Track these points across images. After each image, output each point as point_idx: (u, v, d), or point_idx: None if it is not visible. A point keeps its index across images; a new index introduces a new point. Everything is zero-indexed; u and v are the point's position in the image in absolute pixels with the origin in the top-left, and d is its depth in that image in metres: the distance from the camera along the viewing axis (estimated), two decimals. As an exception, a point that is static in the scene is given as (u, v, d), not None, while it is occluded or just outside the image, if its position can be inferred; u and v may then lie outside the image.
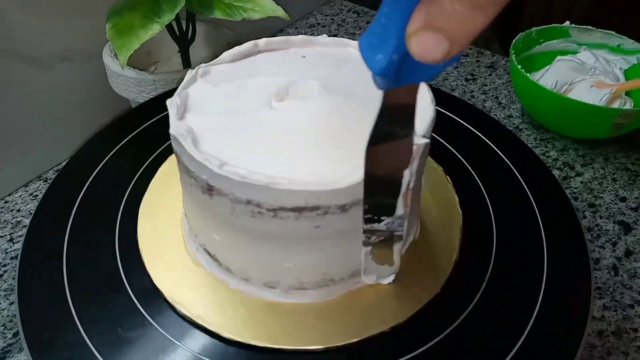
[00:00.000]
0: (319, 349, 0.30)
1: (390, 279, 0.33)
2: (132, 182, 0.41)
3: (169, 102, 0.32)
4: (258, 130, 0.31)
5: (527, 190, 0.42)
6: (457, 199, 0.39)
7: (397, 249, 0.31)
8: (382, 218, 0.29)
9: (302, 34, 0.78)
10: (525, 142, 0.46)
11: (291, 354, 0.31)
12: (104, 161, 0.43)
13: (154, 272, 0.34)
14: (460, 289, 0.34)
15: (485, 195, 0.41)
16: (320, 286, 0.32)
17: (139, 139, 0.45)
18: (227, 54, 0.37)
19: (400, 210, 0.29)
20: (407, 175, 0.28)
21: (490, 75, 0.70)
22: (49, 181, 0.55)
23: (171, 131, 0.30)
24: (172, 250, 0.36)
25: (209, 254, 0.34)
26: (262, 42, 0.37)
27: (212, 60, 0.36)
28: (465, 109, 0.50)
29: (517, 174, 0.43)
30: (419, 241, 0.36)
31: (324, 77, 0.34)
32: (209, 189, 0.29)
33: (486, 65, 0.72)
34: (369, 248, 0.30)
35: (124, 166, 0.43)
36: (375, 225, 0.29)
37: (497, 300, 0.34)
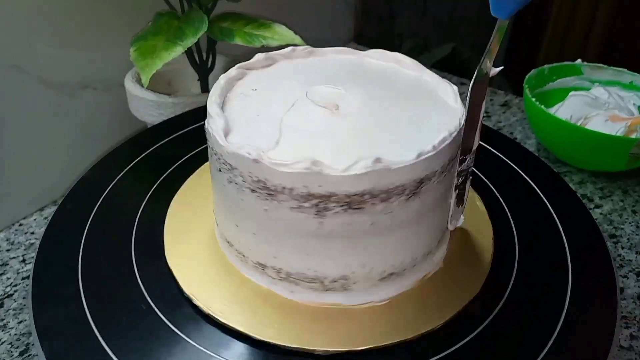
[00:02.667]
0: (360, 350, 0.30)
1: (462, 219, 0.36)
2: (145, 200, 0.41)
3: (210, 124, 0.32)
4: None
5: (555, 215, 0.41)
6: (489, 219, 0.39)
7: (468, 186, 0.36)
8: (465, 157, 0.33)
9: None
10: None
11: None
12: (116, 180, 0.43)
13: (182, 280, 0.34)
14: (483, 309, 0.33)
15: (511, 219, 0.41)
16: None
17: (152, 159, 0.45)
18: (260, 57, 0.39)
19: (476, 143, 0.33)
20: (483, 108, 0.32)
21: (504, 112, 0.71)
22: (65, 206, 0.55)
23: (233, 150, 0.30)
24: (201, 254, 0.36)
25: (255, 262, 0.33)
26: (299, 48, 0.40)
27: None
28: (496, 136, 0.51)
29: (545, 199, 0.42)
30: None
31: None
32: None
33: (500, 104, 0.73)
34: (456, 192, 0.34)
35: (136, 186, 0.43)
36: (462, 165, 0.33)
37: (520, 321, 0.33)
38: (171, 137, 0.46)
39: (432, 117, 0.33)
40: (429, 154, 0.29)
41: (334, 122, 0.32)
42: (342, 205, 0.28)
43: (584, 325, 0.33)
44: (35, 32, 0.49)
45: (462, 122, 0.32)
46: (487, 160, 0.46)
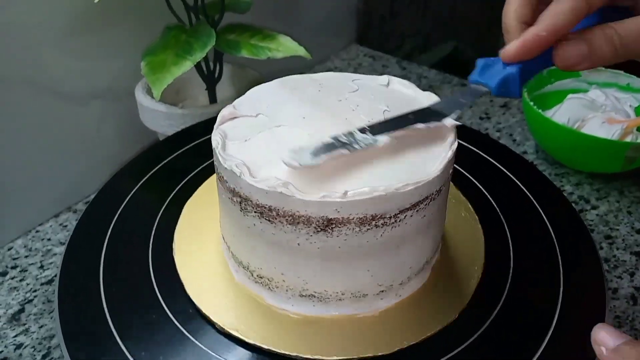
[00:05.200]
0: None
1: None
2: (161, 211, 0.43)
3: (214, 138, 0.34)
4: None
5: (545, 219, 0.43)
6: (480, 228, 0.41)
7: None
8: None
9: (320, 76, 0.81)
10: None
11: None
12: (133, 192, 0.45)
13: (192, 292, 0.36)
14: (476, 314, 0.35)
15: (505, 224, 0.43)
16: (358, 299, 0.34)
17: (165, 171, 0.47)
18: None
19: None
20: None
21: (504, 114, 0.72)
22: (79, 212, 0.57)
23: (226, 165, 0.31)
24: (210, 270, 0.38)
25: (260, 277, 0.35)
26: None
27: (236, 98, 0.38)
28: (486, 142, 0.52)
29: (536, 204, 0.44)
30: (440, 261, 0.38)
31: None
32: (270, 215, 0.30)
33: (500, 105, 0.74)
34: None
35: (152, 197, 0.45)
36: None
37: (513, 324, 0.35)
38: (184, 149, 0.47)
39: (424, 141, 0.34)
40: (429, 179, 0.31)
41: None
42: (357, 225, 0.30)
43: (575, 330, 0.34)
44: (46, 44, 0.50)
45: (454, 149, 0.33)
46: (480, 167, 0.48)
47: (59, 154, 0.55)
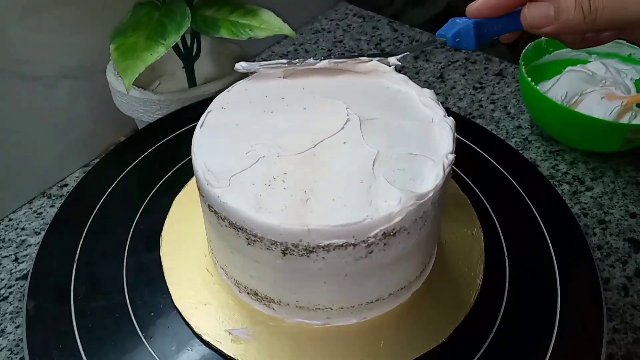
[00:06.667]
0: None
1: None
2: (144, 205, 0.41)
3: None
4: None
5: (535, 211, 0.42)
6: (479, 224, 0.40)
7: None
8: None
9: (306, 40, 0.77)
10: (534, 158, 0.46)
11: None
12: (114, 183, 0.43)
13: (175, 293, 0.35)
14: (477, 318, 0.35)
15: (494, 217, 0.41)
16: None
17: (149, 161, 0.44)
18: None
19: None
20: None
21: (498, 83, 0.69)
22: (54, 198, 0.54)
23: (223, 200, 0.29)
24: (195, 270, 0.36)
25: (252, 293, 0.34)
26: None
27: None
28: (469, 127, 0.50)
29: (525, 195, 0.43)
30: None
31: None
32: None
33: (494, 73, 0.71)
34: None
35: (135, 188, 0.43)
36: None
37: (513, 330, 0.34)
38: (169, 136, 0.45)
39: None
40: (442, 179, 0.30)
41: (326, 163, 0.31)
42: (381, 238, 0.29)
43: (574, 331, 0.35)
44: (7, 20, 0.46)
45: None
46: (466, 154, 0.46)
47: (30, 137, 0.52)
